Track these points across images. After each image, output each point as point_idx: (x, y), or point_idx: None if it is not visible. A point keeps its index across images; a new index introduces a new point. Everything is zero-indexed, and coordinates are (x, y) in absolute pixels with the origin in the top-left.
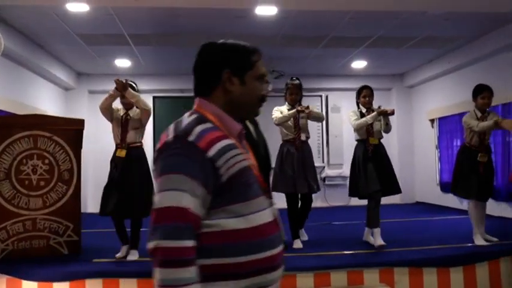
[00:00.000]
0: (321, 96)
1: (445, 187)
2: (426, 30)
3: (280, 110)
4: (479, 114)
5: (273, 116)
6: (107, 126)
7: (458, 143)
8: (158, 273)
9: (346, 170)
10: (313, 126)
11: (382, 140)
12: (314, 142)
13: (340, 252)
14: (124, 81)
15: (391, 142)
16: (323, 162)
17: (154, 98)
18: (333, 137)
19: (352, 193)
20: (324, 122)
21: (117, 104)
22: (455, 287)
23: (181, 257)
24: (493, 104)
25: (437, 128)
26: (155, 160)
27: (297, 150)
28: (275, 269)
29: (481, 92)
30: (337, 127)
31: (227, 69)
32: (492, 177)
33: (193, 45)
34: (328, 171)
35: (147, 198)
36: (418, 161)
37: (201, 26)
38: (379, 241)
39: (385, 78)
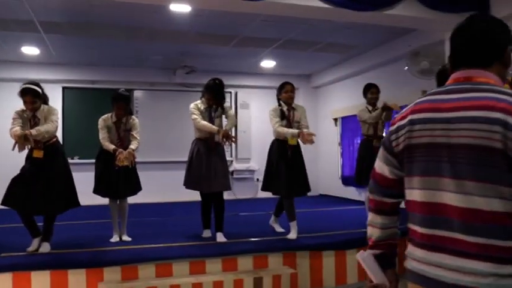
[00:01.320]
0: (230, 92)
1: (346, 181)
2: (331, 36)
3: (198, 108)
4: (370, 108)
5: (193, 117)
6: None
7: (358, 141)
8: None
9: (253, 164)
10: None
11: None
12: None
13: (246, 240)
14: (25, 135)
15: None
16: (231, 156)
17: (64, 88)
18: (241, 133)
19: (266, 189)
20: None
21: (22, 105)
22: (351, 267)
23: None
24: None
25: (340, 127)
26: None
27: (210, 150)
28: (434, 250)
29: (369, 89)
30: (245, 123)
31: (511, 47)
32: None
33: (107, 37)
34: (236, 165)
35: (66, 192)
36: (322, 156)
37: (116, 18)
38: (293, 234)
39: (293, 78)
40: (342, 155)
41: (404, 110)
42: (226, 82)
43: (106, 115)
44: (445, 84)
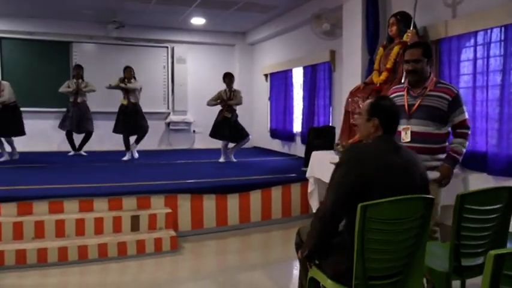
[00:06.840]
0: (167, 47)
1: (273, 134)
2: None
3: None
4: (227, 89)
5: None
6: None
7: (284, 96)
8: None
9: (189, 117)
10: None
11: None
12: (160, 90)
13: (130, 183)
14: None
15: None
16: (168, 108)
17: (1, 39)
18: (178, 86)
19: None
20: (170, 72)
21: None
22: (232, 210)
23: None
24: (305, 65)
25: (270, 82)
26: None
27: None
28: None
29: (227, 76)
30: (182, 77)
31: None
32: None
33: None
34: (173, 117)
35: None
36: (256, 111)
37: None
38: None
39: (228, 34)
40: (271, 109)
41: None
42: (161, 37)
43: None
44: None
